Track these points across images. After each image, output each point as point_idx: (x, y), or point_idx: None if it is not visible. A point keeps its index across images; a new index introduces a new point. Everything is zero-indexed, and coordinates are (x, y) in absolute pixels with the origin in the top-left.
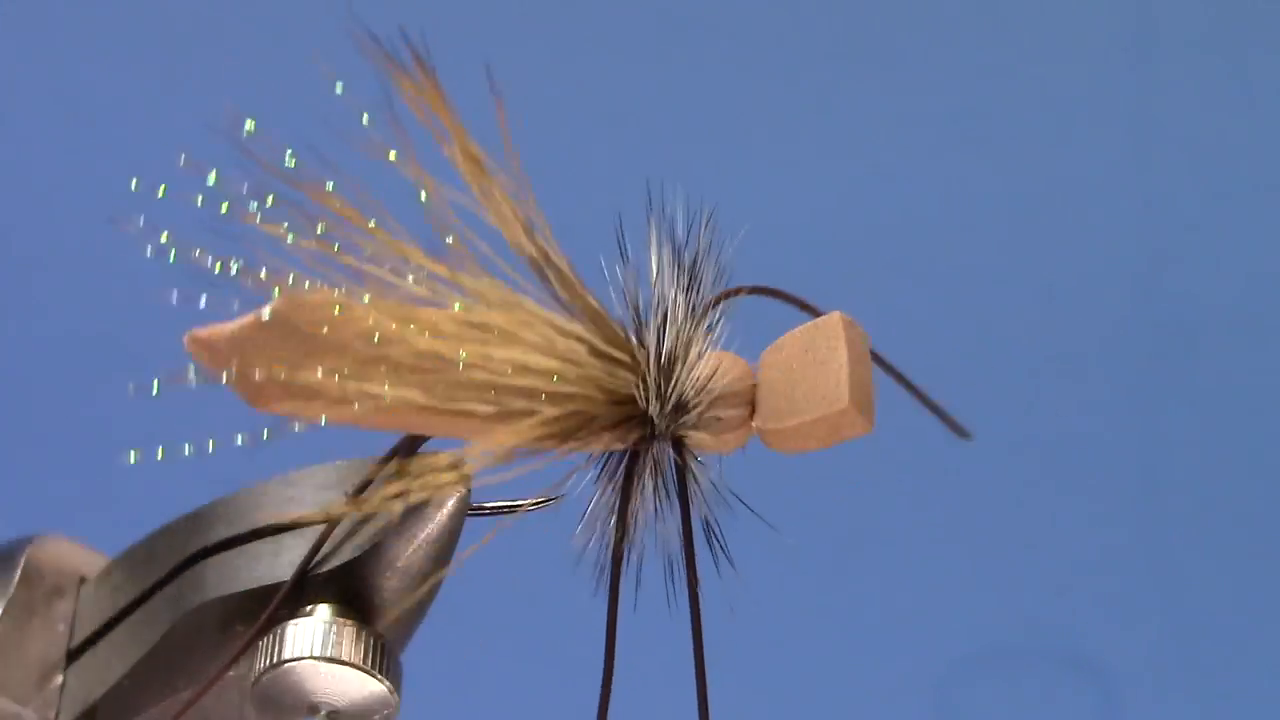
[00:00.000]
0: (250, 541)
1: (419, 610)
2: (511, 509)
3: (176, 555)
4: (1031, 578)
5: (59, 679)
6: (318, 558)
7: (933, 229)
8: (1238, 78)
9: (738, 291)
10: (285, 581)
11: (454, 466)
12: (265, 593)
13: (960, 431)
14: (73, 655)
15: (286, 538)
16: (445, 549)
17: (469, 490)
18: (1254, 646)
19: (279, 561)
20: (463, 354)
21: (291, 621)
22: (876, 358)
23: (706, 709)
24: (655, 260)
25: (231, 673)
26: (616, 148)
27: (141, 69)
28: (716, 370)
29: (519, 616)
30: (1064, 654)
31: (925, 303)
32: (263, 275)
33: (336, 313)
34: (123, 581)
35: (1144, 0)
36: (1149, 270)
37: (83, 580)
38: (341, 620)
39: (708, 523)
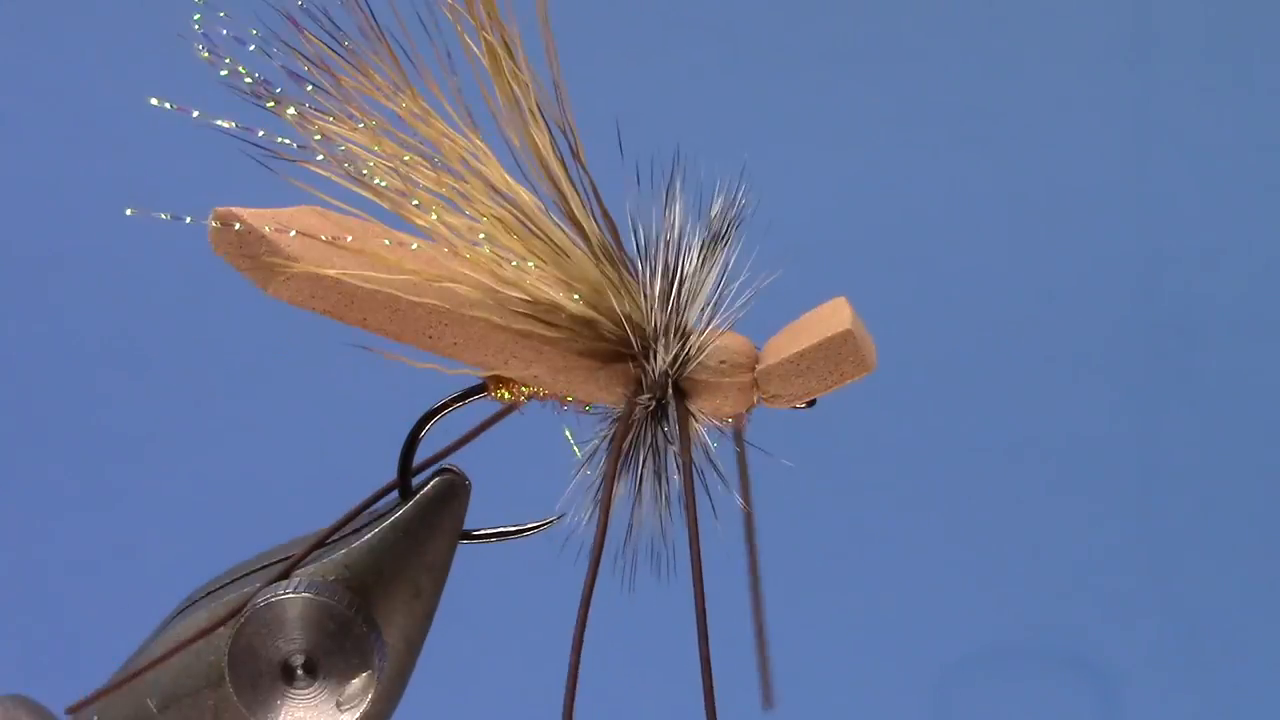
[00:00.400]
0: (245, 576)
1: (414, 627)
2: (506, 535)
3: (160, 629)
4: (1031, 578)
5: None
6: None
7: (932, 228)
8: (1238, 78)
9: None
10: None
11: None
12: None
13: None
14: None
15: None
16: (441, 564)
17: (466, 502)
18: (1253, 646)
19: (273, 573)
20: (483, 220)
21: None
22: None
23: (713, 705)
24: (668, 210)
25: (208, 686)
26: (618, 144)
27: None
28: (721, 330)
29: (519, 616)
30: (1064, 654)
31: (925, 302)
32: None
33: (352, 220)
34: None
35: (1144, 0)
36: (1149, 270)
37: None
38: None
39: (712, 469)
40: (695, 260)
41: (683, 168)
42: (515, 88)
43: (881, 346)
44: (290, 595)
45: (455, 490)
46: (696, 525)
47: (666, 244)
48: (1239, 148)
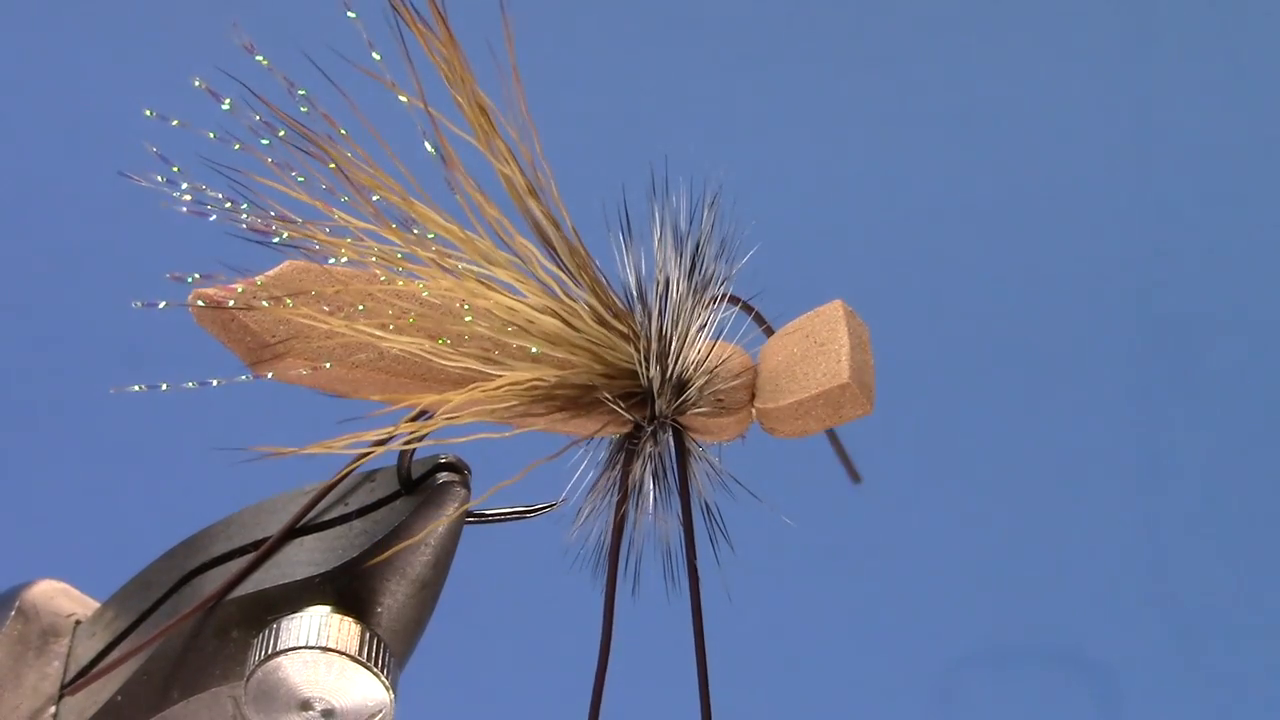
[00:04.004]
0: (250, 553)
1: (419, 617)
2: (511, 516)
3: (173, 576)
4: (1031, 578)
5: (52, 710)
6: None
7: (932, 228)
8: (1238, 78)
9: (721, 299)
10: (289, 583)
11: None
12: (265, 597)
13: (854, 475)
14: (66, 688)
15: (289, 548)
16: (444, 553)
17: (468, 495)
18: (1253, 646)
19: (280, 570)
20: (466, 306)
21: (287, 616)
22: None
23: (708, 707)
24: (658, 241)
25: (225, 684)
26: (618, 142)
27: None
28: (716, 353)
29: (518, 616)
30: (1063, 653)
31: (925, 302)
32: (271, 226)
33: (339, 271)
34: (118, 613)
35: (1144, 0)
36: (1149, 270)
37: (78, 622)
38: (339, 616)
39: (707, 508)
40: (688, 299)
41: (666, 196)
42: (507, 170)
43: (881, 347)
44: (302, 648)
45: (457, 479)
46: (696, 569)
47: (658, 290)
48: (1239, 148)
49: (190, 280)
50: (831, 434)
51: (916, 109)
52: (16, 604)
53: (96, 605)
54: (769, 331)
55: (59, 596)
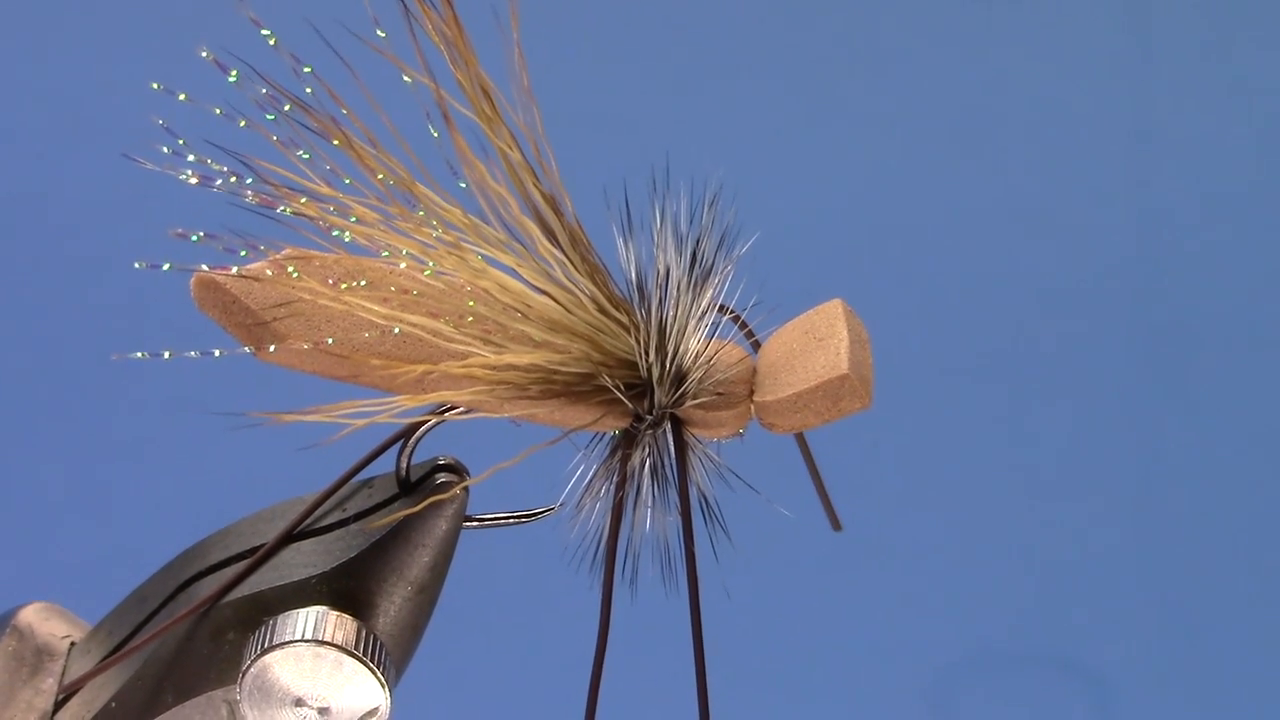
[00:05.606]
0: (247, 559)
1: (417, 623)
2: (509, 519)
3: (169, 587)
4: (1027, 580)
5: None
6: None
7: (932, 231)
8: (1236, 80)
9: (716, 305)
10: (285, 585)
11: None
12: (261, 599)
13: (836, 523)
14: (60, 704)
15: (286, 552)
16: (443, 556)
17: (466, 497)
18: (1250, 649)
19: (277, 573)
20: (468, 287)
21: (284, 613)
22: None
23: (706, 706)
24: (658, 234)
25: (220, 688)
26: (620, 142)
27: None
28: (715, 345)
29: (517, 617)
30: (1059, 656)
31: (925, 305)
32: (274, 202)
33: (340, 254)
34: (114, 628)
35: (1143, 1)
36: (1148, 274)
37: (73, 644)
38: (335, 613)
39: (705, 503)
40: (688, 292)
41: (668, 192)
42: (506, 149)
43: (878, 348)
44: (298, 642)
45: (456, 480)
46: (694, 559)
47: (656, 279)
48: (1237, 151)
49: (195, 239)
50: (816, 479)
51: (916, 112)
52: (10, 623)
53: (89, 628)
54: (756, 345)
55: (53, 618)
